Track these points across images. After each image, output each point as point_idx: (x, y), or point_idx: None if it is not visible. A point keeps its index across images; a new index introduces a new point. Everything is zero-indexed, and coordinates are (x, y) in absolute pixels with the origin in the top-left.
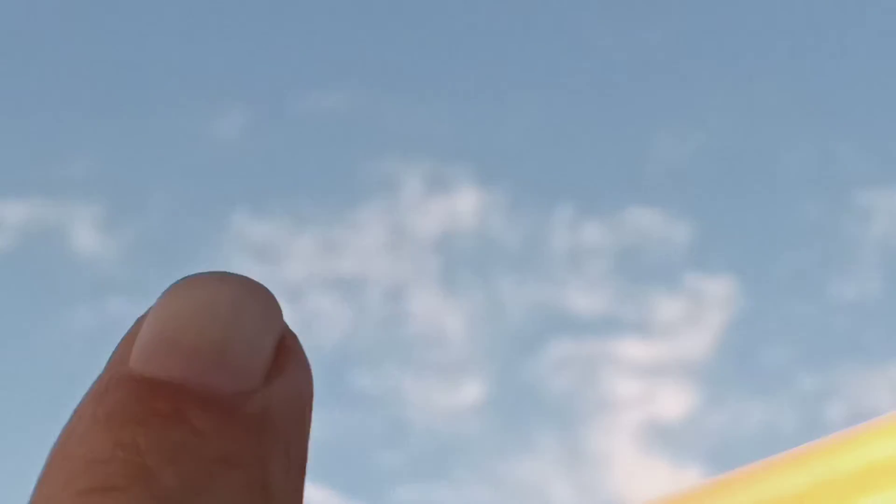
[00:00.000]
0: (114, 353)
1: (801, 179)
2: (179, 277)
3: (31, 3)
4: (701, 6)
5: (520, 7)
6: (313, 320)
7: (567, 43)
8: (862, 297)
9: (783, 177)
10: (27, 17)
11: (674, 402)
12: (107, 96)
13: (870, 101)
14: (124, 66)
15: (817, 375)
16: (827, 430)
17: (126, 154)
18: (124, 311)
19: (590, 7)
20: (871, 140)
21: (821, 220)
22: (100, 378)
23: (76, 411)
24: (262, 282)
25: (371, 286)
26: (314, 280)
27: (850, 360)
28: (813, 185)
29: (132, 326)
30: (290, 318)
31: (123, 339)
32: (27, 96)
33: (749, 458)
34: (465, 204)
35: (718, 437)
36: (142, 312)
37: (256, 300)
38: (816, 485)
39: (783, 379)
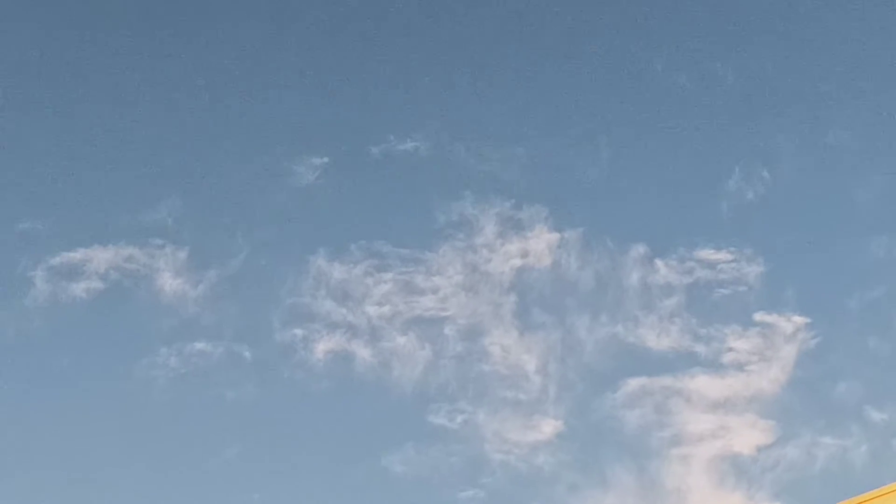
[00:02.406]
0: None
1: (871, 216)
2: (260, 320)
3: (116, 52)
4: (773, 43)
5: (592, 49)
6: (393, 359)
7: (639, 81)
8: None
9: (853, 214)
10: (112, 66)
11: (747, 436)
12: (189, 143)
13: None
14: (207, 114)
15: (888, 410)
16: None
17: (209, 199)
18: (206, 352)
19: (662, 43)
20: None
21: (890, 256)
22: None
23: None
24: (341, 322)
25: (449, 325)
26: (394, 319)
27: None
28: (882, 222)
29: None
30: (370, 357)
31: None
32: (111, 145)
33: (822, 490)
34: (539, 244)
35: (791, 471)
36: (224, 355)
37: None
38: None
39: (854, 413)
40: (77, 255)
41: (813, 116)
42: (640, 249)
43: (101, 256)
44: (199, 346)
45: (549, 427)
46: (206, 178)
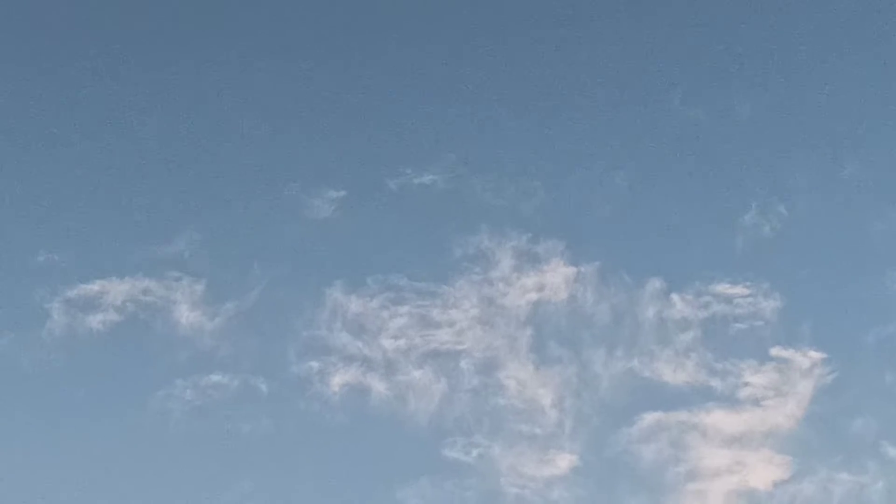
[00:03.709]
0: None
1: (888, 251)
2: (276, 352)
3: (134, 84)
4: (790, 78)
5: (609, 84)
6: (408, 392)
7: (656, 115)
8: None
9: (869, 249)
10: (130, 98)
11: (763, 471)
12: (206, 176)
13: None
14: (224, 148)
15: None
16: None
17: (226, 232)
18: (222, 384)
19: (679, 78)
20: None
21: None
22: None
23: None
24: (357, 355)
25: (465, 358)
26: (410, 353)
27: None
28: None
29: None
30: (386, 390)
31: None
32: (129, 177)
33: None
34: (555, 278)
35: None
36: (240, 387)
37: None
38: None
39: (870, 449)
40: (94, 287)
41: (830, 151)
42: (656, 284)
43: (117, 288)
44: (215, 378)
45: (564, 461)
46: (223, 210)
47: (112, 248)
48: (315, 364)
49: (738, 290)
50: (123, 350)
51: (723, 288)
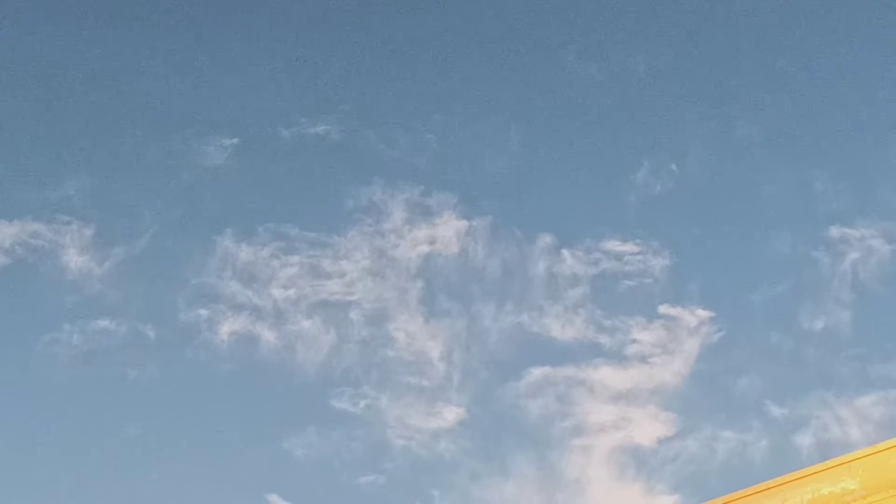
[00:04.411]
0: None
1: (776, 213)
2: (165, 299)
3: (26, 30)
4: (683, 37)
5: (504, 39)
6: (297, 342)
7: (550, 71)
8: (833, 329)
9: (758, 211)
10: (22, 43)
11: (648, 428)
12: (98, 121)
13: (845, 139)
14: (116, 94)
15: (788, 405)
16: (796, 459)
17: (117, 177)
18: (110, 330)
19: (574, 34)
20: (846, 176)
21: (794, 253)
22: None
23: None
24: (246, 303)
25: (354, 309)
26: (299, 302)
27: (820, 390)
28: (787, 219)
29: None
30: (275, 339)
31: None
32: (19, 120)
33: (721, 483)
34: (447, 231)
35: (691, 463)
36: (127, 333)
37: None
38: None
39: (754, 408)
40: None
41: (722, 111)
42: (546, 239)
43: (5, 231)
44: (103, 323)
45: (451, 414)
46: (114, 155)
47: (0, 191)
48: (204, 312)
49: (628, 247)
50: (11, 293)
51: (613, 245)
